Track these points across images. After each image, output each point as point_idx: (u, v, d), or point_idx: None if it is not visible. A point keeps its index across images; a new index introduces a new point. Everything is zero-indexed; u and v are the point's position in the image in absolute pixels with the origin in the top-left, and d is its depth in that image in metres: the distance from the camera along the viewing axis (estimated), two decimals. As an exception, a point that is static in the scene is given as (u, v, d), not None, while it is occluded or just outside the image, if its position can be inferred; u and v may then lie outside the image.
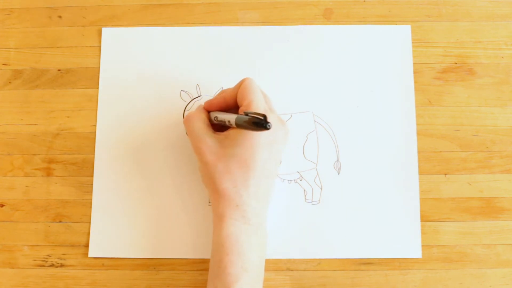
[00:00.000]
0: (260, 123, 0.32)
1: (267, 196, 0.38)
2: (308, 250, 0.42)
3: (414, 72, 0.45)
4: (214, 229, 0.37)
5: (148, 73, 0.45)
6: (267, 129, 0.31)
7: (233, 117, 0.35)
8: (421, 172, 0.43)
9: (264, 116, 0.32)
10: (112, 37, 0.46)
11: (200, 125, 0.38)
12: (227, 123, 0.37)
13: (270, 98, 0.40)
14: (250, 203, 0.36)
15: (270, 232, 0.40)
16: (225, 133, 0.37)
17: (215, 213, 0.37)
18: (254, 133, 0.35)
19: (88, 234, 0.43)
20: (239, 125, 0.34)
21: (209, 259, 0.42)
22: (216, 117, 0.38)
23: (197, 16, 0.46)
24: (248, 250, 0.35)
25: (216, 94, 0.43)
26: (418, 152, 0.44)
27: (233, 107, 0.39)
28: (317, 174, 0.43)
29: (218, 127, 0.39)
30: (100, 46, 0.46)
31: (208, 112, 0.40)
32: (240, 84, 0.38)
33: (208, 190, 0.38)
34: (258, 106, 0.36)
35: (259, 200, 0.37)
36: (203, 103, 0.40)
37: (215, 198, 0.37)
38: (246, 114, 0.34)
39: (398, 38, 0.45)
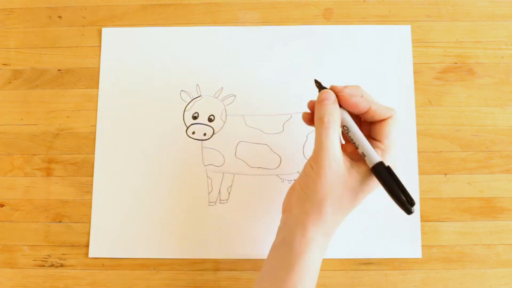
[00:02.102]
0: (407, 207, 0.31)
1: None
2: (308, 250, 0.42)
3: (414, 72, 0.45)
4: (290, 240, 0.34)
5: (148, 73, 0.45)
6: (409, 213, 0.31)
7: (374, 159, 0.32)
8: (421, 172, 0.43)
9: (413, 202, 0.31)
10: (112, 37, 0.46)
11: (335, 129, 0.32)
12: (359, 152, 0.33)
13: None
14: (335, 230, 0.35)
15: (270, 232, 0.39)
16: (357, 167, 0.33)
17: (300, 230, 0.34)
18: (377, 182, 0.33)
19: (88, 234, 0.43)
20: (382, 184, 0.32)
21: (208, 259, 0.42)
22: (346, 128, 0.33)
23: (197, 16, 0.46)
24: (314, 274, 0.35)
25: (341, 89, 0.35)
26: (418, 152, 0.44)
27: (366, 120, 0.35)
28: (317, 174, 0.43)
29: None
30: (100, 46, 0.46)
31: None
32: (388, 111, 0.34)
33: (300, 201, 0.34)
34: (393, 156, 0.34)
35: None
36: (329, 89, 0.34)
37: (308, 214, 0.34)
38: (390, 174, 0.31)
39: (398, 38, 0.45)
